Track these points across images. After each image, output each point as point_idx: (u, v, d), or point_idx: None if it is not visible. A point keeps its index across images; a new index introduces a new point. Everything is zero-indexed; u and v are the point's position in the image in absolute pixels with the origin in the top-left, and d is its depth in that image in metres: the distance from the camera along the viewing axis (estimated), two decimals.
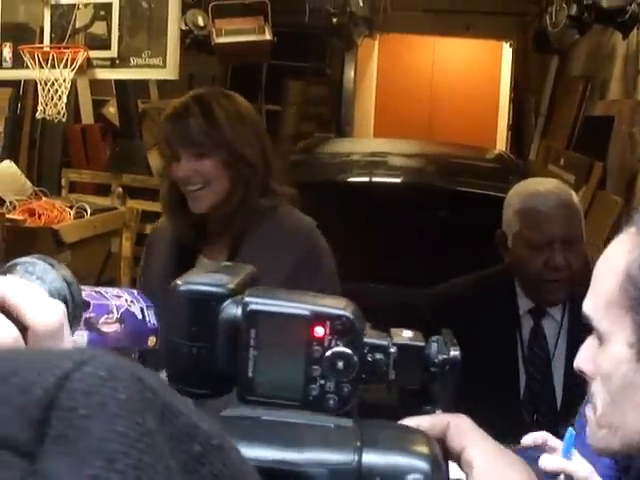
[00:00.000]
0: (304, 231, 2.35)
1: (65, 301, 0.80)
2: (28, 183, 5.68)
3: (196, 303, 0.75)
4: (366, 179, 4.73)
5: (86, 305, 1.34)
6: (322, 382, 0.73)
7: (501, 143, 11.23)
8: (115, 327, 1.43)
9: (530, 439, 1.55)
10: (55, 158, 6.77)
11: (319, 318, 0.73)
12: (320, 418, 0.71)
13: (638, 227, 1.21)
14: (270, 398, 0.72)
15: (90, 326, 1.38)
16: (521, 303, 2.61)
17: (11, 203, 5.15)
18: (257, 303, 0.74)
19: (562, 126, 7.97)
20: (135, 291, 1.55)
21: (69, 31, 5.33)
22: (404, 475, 0.63)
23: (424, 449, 0.65)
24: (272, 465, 0.58)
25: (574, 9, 5.84)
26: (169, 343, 0.77)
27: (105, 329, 1.42)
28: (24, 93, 6.43)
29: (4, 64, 5.49)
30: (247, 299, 0.74)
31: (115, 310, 1.46)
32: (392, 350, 0.75)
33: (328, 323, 0.73)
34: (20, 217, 4.95)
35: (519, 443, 2.35)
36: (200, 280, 0.77)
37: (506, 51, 11.57)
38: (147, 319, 1.47)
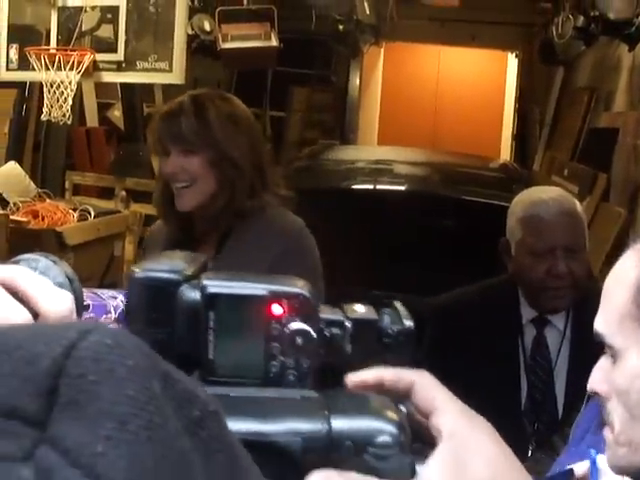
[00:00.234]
0: (287, 231, 2.36)
1: None
2: (32, 185, 5.68)
3: (154, 289, 0.77)
4: (370, 186, 4.73)
5: (86, 307, 1.35)
6: (282, 359, 0.75)
7: (505, 153, 11.23)
8: (114, 327, 1.44)
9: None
10: (59, 160, 6.77)
11: (276, 297, 0.75)
12: (285, 392, 0.74)
13: None
14: (232, 378, 0.73)
15: None
16: (524, 312, 2.61)
17: (15, 204, 5.15)
18: (215, 286, 0.76)
19: (566, 137, 7.97)
20: None
21: (75, 34, 5.34)
22: (372, 438, 0.65)
23: (389, 413, 0.67)
24: (246, 437, 0.58)
25: (581, 20, 5.85)
26: (130, 332, 0.79)
27: None
28: (29, 95, 6.43)
29: (10, 65, 5.50)
30: (205, 282, 0.76)
31: (113, 310, 1.48)
32: (347, 324, 0.77)
33: (285, 301, 0.75)
34: (24, 219, 4.95)
35: (519, 452, 2.35)
36: (157, 267, 0.78)
37: (511, 61, 11.58)
38: None
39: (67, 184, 6.74)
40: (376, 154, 6.00)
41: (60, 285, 0.83)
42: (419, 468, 0.66)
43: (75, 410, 0.41)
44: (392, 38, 10.44)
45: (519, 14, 9.56)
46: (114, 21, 5.37)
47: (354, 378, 0.73)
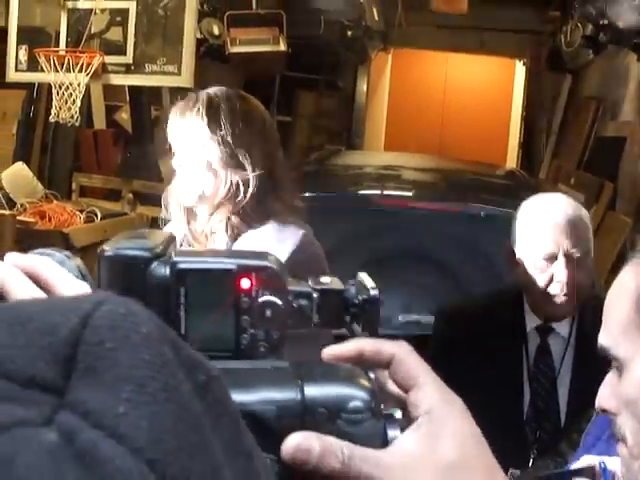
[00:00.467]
0: (293, 239, 2.33)
1: None
2: (39, 186, 5.70)
3: (124, 267, 0.79)
4: (377, 192, 4.73)
5: None
6: (252, 331, 0.77)
7: (512, 161, 11.23)
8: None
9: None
10: (67, 162, 6.78)
11: (245, 271, 0.77)
12: (257, 363, 0.76)
13: (637, 260, 1.20)
14: (203, 351, 0.77)
15: None
16: (528, 320, 2.61)
17: (22, 205, 5.16)
18: (184, 262, 0.77)
19: (573, 145, 7.97)
20: None
21: (85, 36, 5.36)
22: (344, 404, 0.67)
23: (360, 380, 0.69)
24: None
25: (589, 29, 5.86)
26: None
27: None
28: (38, 96, 6.45)
29: (19, 66, 5.52)
30: (175, 259, 0.78)
31: None
32: (315, 295, 0.80)
33: (254, 275, 0.77)
34: (31, 219, 4.96)
35: (521, 460, 2.35)
36: (126, 245, 0.80)
37: (519, 69, 11.58)
38: None
39: (74, 186, 6.75)
40: (383, 160, 6.00)
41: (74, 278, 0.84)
42: (392, 434, 0.68)
43: (93, 376, 0.42)
44: (400, 44, 10.45)
45: (527, 22, 9.57)
46: (123, 24, 5.39)
47: (333, 350, 0.73)
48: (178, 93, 7.68)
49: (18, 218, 4.83)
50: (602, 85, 7.66)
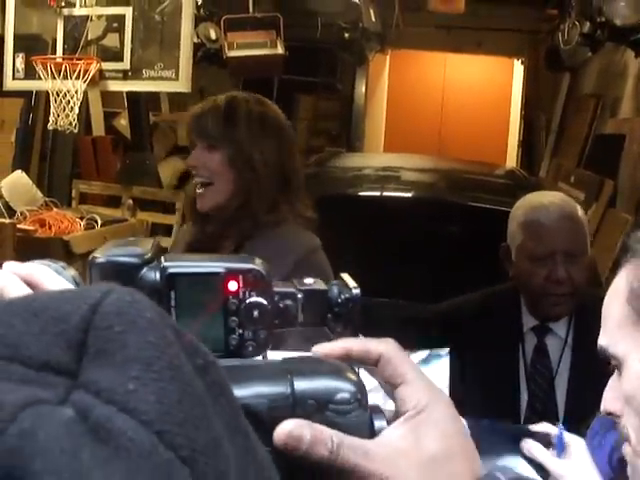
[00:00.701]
0: (299, 249, 2.31)
1: None
2: (39, 193, 5.69)
3: (116, 273, 0.81)
4: (377, 193, 4.72)
5: None
6: (240, 331, 0.80)
7: (511, 160, 11.23)
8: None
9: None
10: (66, 169, 6.79)
11: (232, 274, 0.80)
12: (248, 360, 0.80)
13: (634, 259, 1.21)
14: None
15: None
16: (525, 320, 2.60)
17: (22, 213, 5.16)
18: (174, 267, 0.80)
19: (573, 144, 7.97)
20: None
21: (82, 42, 5.35)
22: (332, 395, 0.70)
23: (347, 373, 0.72)
24: None
25: (587, 27, 5.85)
26: None
27: None
28: (36, 104, 6.45)
29: (16, 74, 5.51)
30: (165, 264, 0.80)
31: None
32: (299, 296, 0.83)
33: (241, 277, 0.80)
34: (31, 227, 4.96)
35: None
36: (116, 252, 0.83)
37: (517, 68, 11.59)
38: None
39: (74, 193, 6.76)
40: (382, 161, 6.00)
41: None
42: (378, 424, 0.71)
43: (104, 357, 0.46)
44: (398, 45, 10.45)
45: (525, 21, 9.57)
46: (120, 30, 5.38)
47: (322, 349, 0.76)
48: (176, 98, 7.70)
49: (18, 226, 4.83)
50: (601, 83, 7.66)
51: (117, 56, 5.38)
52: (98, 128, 7.90)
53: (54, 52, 5.40)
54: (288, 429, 0.67)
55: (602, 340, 1.22)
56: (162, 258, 0.81)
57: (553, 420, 2.55)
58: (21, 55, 5.51)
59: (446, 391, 2.04)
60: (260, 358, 0.82)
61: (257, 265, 0.82)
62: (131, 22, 5.33)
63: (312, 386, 0.70)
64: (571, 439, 1.58)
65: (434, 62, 12.00)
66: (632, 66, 6.49)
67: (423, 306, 3.08)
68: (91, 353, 0.46)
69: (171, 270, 0.80)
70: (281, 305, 0.82)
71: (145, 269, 0.81)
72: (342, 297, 0.84)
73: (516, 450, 1.58)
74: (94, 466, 0.42)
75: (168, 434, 0.44)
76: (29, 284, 0.80)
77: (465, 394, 2.04)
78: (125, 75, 5.39)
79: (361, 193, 4.71)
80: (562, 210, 2.50)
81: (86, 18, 5.39)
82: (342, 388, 0.70)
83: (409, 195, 4.68)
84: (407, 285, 3.88)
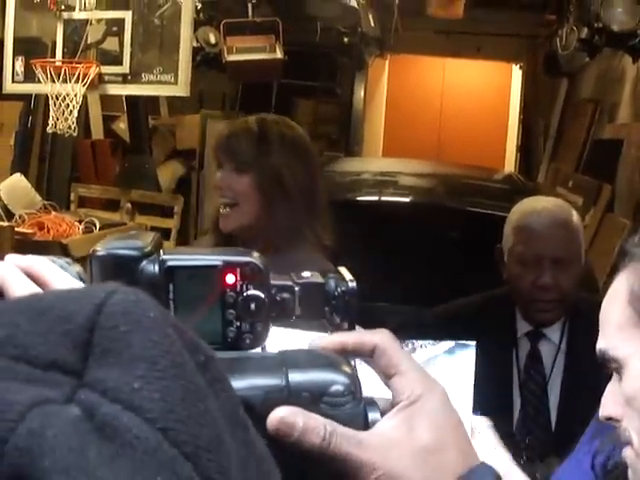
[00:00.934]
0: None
1: None
2: (38, 197, 5.71)
3: (116, 266, 0.82)
4: (375, 198, 4.73)
5: None
6: (238, 324, 0.81)
7: (510, 165, 11.24)
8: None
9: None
10: (65, 172, 6.80)
11: (230, 266, 0.81)
12: (244, 353, 0.81)
13: (633, 263, 1.21)
14: None
15: None
16: (519, 326, 2.59)
17: (20, 217, 5.17)
18: (172, 259, 0.81)
19: (571, 149, 7.98)
20: None
21: (81, 46, 5.36)
22: (326, 388, 0.71)
23: (341, 366, 0.73)
24: None
25: (585, 32, 5.87)
26: None
27: None
28: (35, 107, 6.46)
29: (16, 78, 5.52)
30: (163, 257, 0.81)
31: None
32: (296, 289, 0.84)
33: (238, 270, 0.81)
34: (29, 230, 4.97)
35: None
36: (117, 245, 0.83)
37: (516, 73, 11.60)
38: None
39: (72, 196, 6.77)
40: (381, 166, 6.00)
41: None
42: (372, 417, 0.71)
43: (110, 357, 0.47)
44: (397, 50, 10.46)
45: (523, 26, 9.59)
46: (120, 34, 5.39)
47: (318, 342, 0.77)
48: (176, 102, 7.71)
49: (17, 229, 4.84)
50: (598, 88, 7.67)
51: (116, 60, 5.39)
52: (97, 131, 7.91)
53: (54, 55, 5.41)
54: (281, 415, 0.68)
55: (601, 343, 1.21)
56: (161, 251, 0.82)
57: (546, 425, 2.55)
58: (21, 58, 5.52)
59: (471, 383, 2.03)
60: (259, 350, 0.82)
61: (255, 258, 0.82)
62: (130, 26, 5.34)
63: (306, 378, 0.71)
64: (475, 419, 1.57)
65: (433, 67, 12.02)
66: (630, 71, 6.51)
67: (420, 310, 3.08)
68: (97, 352, 0.47)
69: (170, 263, 0.80)
70: (278, 298, 0.83)
71: (144, 262, 0.81)
72: (339, 290, 0.84)
73: None
74: (101, 463, 0.43)
75: (172, 431, 0.46)
76: (30, 276, 0.81)
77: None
78: (124, 79, 5.40)
79: (359, 198, 4.71)
80: (554, 216, 2.49)
81: (86, 22, 5.40)
82: (336, 380, 0.71)
83: (407, 200, 4.69)
84: (404, 289, 3.88)
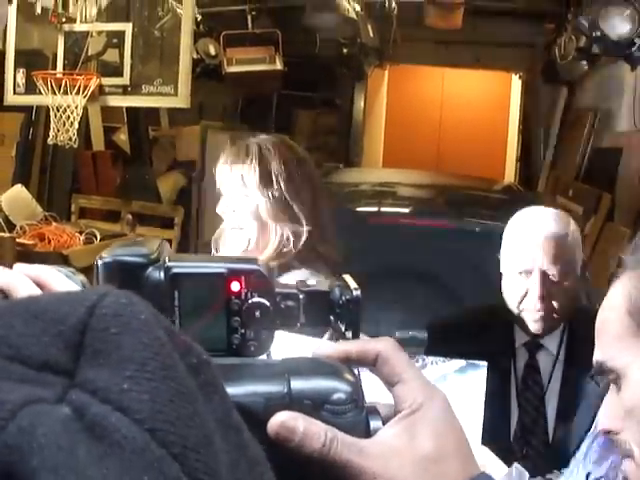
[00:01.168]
0: None
1: None
2: (39, 208, 5.71)
3: (122, 272, 0.83)
4: (374, 209, 4.74)
5: None
6: (243, 331, 0.81)
7: (510, 174, 11.24)
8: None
9: None
10: (66, 184, 6.81)
11: (235, 274, 0.81)
12: (247, 359, 0.81)
13: (629, 271, 1.21)
14: None
15: None
16: (517, 336, 2.58)
17: (21, 228, 5.18)
18: (178, 267, 0.81)
19: (571, 157, 7.99)
20: None
21: (82, 58, 5.38)
22: (328, 396, 0.71)
23: (344, 374, 0.73)
24: None
25: (583, 41, 5.88)
26: None
27: None
28: (36, 118, 6.48)
29: (17, 89, 5.54)
30: (169, 264, 0.81)
31: None
32: (301, 297, 0.84)
33: (243, 278, 0.81)
34: (30, 241, 4.98)
35: None
36: (123, 252, 0.84)
37: (515, 82, 11.62)
38: None
39: (73, 207, 6.78)
40: (380, 177, 6.01)
41: None
42: (374, 425, 0.71)
43: (100, 358, 0.48)
44: (396, 61, 10.47)
45: (522, 35, 9.60)
46: (120, 45, 5.41)
47: (320, 351, 0.77)
48: (176, 113, 7.73)
49: (17, 240, 4.85)
50: (597, 96, 7.69)
51: (117, 71, 5.41)
52: (98, 143, 7.92)
53: (54, 67, 5.43)
54: (281, 420, 0.68)
55: (598, 355, 1.20)
56: (167, 258, 0.83)
57: (543, 436, 2.55)
58: (22, 70, 5.55)
59: (482, 402, 2.03)
60: (264, 357, 0.83)
61: (260, 266, 0.83)
62: (131, 38, 5.36)
63: (309, 386, 0.71)
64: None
65: (432, 77, 12.03)
66: (628, 79, 6.52)
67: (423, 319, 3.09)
68: (88, 353, 0.48)
69: (175, 270, 0.81)
70: (283, 306, 0.83)
71: (150, 268, 0.82)
72: (344, 298, 0.85)
73: None
74: (89, 462, 0.44)
75: (160, 432, 0.46)
76: (37, 284, 0.82)
77: None
78: (125, 90, 5.42)
79: (358, 209, 4.72)
80: (548, 228, 2.47)
81: (86, 34, 5.42)
82: (338, 388, 0.71)
83: (406, 211, 4.69)
84: (405, 300, 3.89)
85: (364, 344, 0.77)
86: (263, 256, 2.27)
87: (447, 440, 0.72)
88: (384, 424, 0.72)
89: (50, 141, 5.35)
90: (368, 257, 4.07)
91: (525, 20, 9.24)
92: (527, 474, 1.65)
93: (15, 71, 5.54)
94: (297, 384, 0.71)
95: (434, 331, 2.78)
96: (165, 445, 0.46)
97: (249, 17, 7.07)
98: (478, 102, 11.95)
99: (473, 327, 2.65)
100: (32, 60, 5.55)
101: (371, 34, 8.24)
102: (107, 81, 5.38)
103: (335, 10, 7.11)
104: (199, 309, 0.81)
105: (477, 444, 1.96)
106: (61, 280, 0.84)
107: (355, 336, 0.84)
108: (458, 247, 4.32)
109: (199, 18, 6.50)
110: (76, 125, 5.19)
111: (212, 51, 7.07)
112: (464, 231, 4.33)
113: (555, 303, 2.45)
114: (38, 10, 5.30)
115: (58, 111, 5.18)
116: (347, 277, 0.88)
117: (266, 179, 2.29)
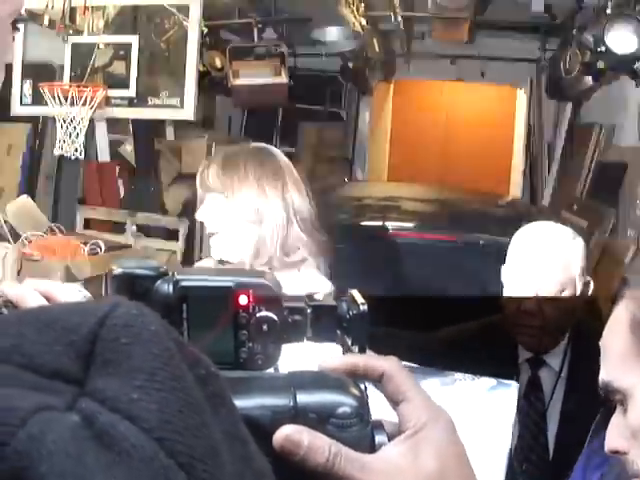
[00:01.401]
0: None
1: None
2: (44, 218, 5.72)
3: (131, 285, 0.84)
4: (379, 223, 4.74)
5: None
6: (250, 345, 0.82)
7: (515, 189, 11.23)
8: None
9: None
10: (71, 195, 6.82)
11: (242, 288, 0.82)
12: (254, 372, 0.82)
13: (631, 291, 1.21)
14: None
15: None
16: (520, 352, 2.59)
17: (27, 238, 5.18)
18: (187, 280, 0.82)
19: (575, 172, 7.99)
20: None
21: (88, 70, 5.41)
22: (334, 409, 0.71)
23: (350, 388, 0.73)
24: None
25: (588, 56, 5.89)
26: None
27: None
28: (43, 130, 6.50)
29: (24, 100, 5.57)
30: (178, 277, 0.83)
31: None
32: (308, 311, 0.84)
33: (251, 292, 0.81)
34: (35, 252, 4.98)
35: None
36: (133, 265, 0.85)
37: (520, 97, 11.63)
38: None
39: (78, 218, 6.78)
40: (385, 191, 6.02)
41: None
42: (379, 440, 0.72)
43: (110, 368, 0.49)
44: (401, 75, 10.50)
45: (527, 50, 9.61)
46: (126, 58, 5.44)
47: (327, 364, 0.77)
48: (182, 125, 7.75)
49: (22, 251, 4.85)
50: (602, 111, 7.69)
51: (123, 83, 5.44)
52: (103, 154, 7.94)
53: (61, 79, 5.46)
54: (286, 433, 0.68)
55: (604, 375, 1.20)
56: (175, 271, 0.84)
57: (543, 453, 2.54)
58: (29, 81, 5.58)
59: (511, 423, 2.02)
60: (272, 370, 0.83)
61: (267, 280, 0.83)
62: (137, 50, 5.39)
63: (314, 399, 0.72)
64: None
65: (438, 91, 12.05)
66: (633, 94, 6.52)
67: (422, 335, 3.08)
68: (98, 363, 0.49)
69: (183, 283, 0.82)
70: (290, 320, 0.84)
71: (159, 281, 0.83)
72: (351, 313, 0.85)
73: None
74: (97, 470, 0.45)
75: (168, 441, 0.47)
76: (47, 298, 0.84)
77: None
78: (131, 102, 5.45)
79: (362, 223, 4.72)
80: (546, 245, 2.47)
81: (93, 46, 5.45)
82: (344, 402, 0.71)
83: (410, 225, 4.69)
84: (408, 313, 3.88)
85: (370, 360, 0.77)
86: (241, 259, 2.32)
87: (450, 461, 0.72)
88: (390, 440, 0.73)
89: (56, 152, 5.37)
90: (370, 272, 4.07)
91: (530, 35, 9.25)
92: None
93: (22, 82, 5.58)
94: (303, 397, 0.72)
95: (436, 346, 2.78)
96: (173, 455, 0.47)
97: (255, 30, 7.10)
98: (483, 116, 11.96)
99: (476, 342, 2.64)
100: (39, 71, 5.58)
101: (377, 48, 8.26)
102: (113, 93, 5.41)
103: (341, 24, 7.13)
104: (207, 322, 0.81)
105: (502, 466, 1.94)
106: (68, 294, 0.86)
107: (362, 351, 0.84)
108: (462, 261, 4.33)
109: (205, 30, 6.52)
110: (82, 136, 5.21)
111: (218, 64, 7.08)
112: (468, 245, 4.33)
113: (553, 320, 2.44)
114: (45, 22, 5.33)
115: (64, 122, 5.20)
116: (354, 292, 0.88)
117: (230, 180, 2.34)
